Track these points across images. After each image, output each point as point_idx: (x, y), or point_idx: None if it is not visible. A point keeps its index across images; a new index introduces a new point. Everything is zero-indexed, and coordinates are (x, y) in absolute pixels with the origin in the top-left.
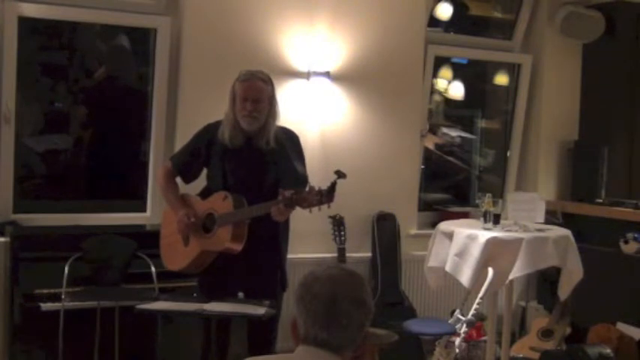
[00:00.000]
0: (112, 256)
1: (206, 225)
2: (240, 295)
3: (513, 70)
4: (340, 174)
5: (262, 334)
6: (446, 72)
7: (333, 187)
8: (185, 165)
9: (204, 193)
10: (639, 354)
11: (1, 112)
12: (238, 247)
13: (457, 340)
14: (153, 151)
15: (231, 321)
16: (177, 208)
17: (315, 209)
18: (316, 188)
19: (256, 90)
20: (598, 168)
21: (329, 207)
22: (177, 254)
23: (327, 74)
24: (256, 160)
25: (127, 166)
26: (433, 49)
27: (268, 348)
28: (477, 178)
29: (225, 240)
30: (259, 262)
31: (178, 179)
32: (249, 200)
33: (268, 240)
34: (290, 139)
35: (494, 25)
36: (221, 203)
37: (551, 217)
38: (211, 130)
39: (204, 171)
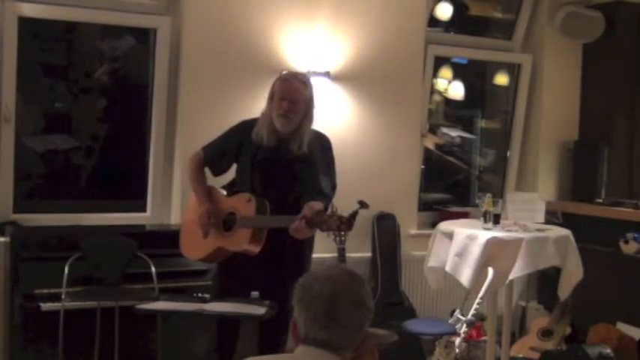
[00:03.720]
0: (112, 256)
1: (227, 222)
2: (254, 294)
3: (513, 70)
4: (363, 204)
5: (274, 335)
6: (446, 72)
7: (353, 216)
8: (216, 158)
9: (231, 186)
10: (639, 354)
11: (1, 112)
12: (256, 249)
13: (457, 340)
14: (153, 151)
15: (240, 321)
16: (203, 201)
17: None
18: (338, 212)
19: (294, 90)
20: (598, 168)
21: (346, 235)
22: (194, 244)
23: (327, 74)
24: (286, 165)
25: (127, 166)
26: (433, 49)
27: (278, 349)
28: (476, 178)
29: (243, 242)
30: (282, 264)
31: (207, 171)
32: (273, 204)
33: (294, 243)
34: (322, 145)
35: (495, 25)
36: (244, 205)
37: (551, 217)
38: (247, 127)
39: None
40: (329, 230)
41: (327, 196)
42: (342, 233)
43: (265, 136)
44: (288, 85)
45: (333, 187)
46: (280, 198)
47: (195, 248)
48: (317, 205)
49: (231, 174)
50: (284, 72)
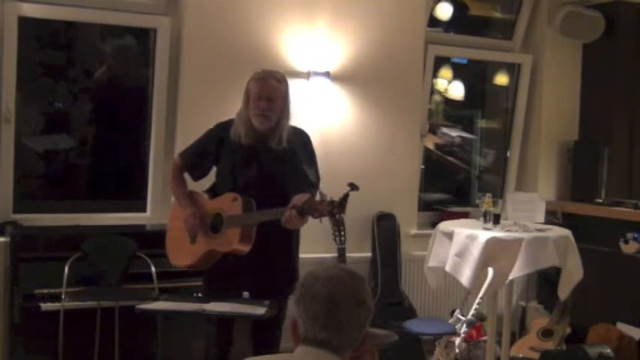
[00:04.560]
0: (112, 256)
1: (214, 225)
2: (245, 294)
3: (513, 70)
4: (353, 186)
5: (267, 334)
6: (446, 72)
7: (345, 198)
8: (194, 162)
9: (211, 191)
10: (639, 354)
11: (1, 112)
12: (246, 248)
13: (457, 340)
14: (153, 151)
15: (234, 321)
16: (185, 205)
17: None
18: (328, 198)
19: (270, 89)
20: (598, 168)
21: (340, 218)
22: (182, 250)
23: (327, 74)
24: (267, 161)
25: (127, 166)
26: (433, 49)
27: (272, 348)
28: (476, 178)
29: (233, 241)
30: (270, 263)
31: (186, 176)
32: (258, 202)
33: (281, 242)
34: (301, 140)
35: (495, 25)
36: (230, 204)
37: (551, 217)
38: (223, 128)
39: (213, 170)
40: (322, 216)
41: (313, 185)
42: (342, 233)
43: (243, 134)
44: (265, 83)
45: (318, 177)
46: (264, 195)
47: (184, 255)
48: (304, 196)
49: (210, 179)
50: (257, 70)
